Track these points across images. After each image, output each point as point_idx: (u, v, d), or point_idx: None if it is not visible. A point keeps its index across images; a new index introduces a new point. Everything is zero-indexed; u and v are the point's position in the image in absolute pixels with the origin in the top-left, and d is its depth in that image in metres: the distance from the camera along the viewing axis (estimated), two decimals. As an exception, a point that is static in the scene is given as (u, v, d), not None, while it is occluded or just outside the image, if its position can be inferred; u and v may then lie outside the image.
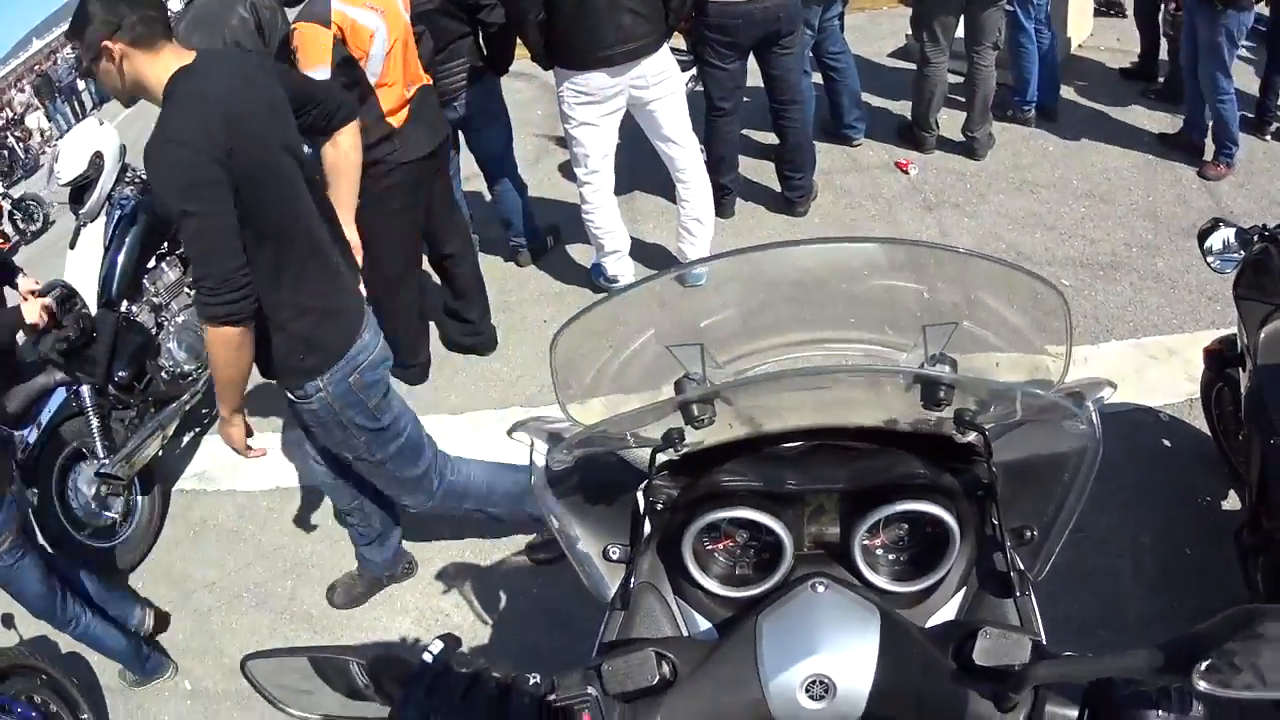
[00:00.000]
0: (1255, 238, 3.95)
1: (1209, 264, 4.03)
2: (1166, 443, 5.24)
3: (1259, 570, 3.75)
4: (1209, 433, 4.97)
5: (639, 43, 5.90)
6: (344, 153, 4.46)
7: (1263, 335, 3.97)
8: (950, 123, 8.41)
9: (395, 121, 5.73)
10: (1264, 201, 6.59)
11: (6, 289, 5.90)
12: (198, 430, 7.14)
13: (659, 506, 2.24)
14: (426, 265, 6.83)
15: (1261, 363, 3.90)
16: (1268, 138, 7.96)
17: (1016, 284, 2.30)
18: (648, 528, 2.26)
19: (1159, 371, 5.73)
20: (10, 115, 36.30)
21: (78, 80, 33.58)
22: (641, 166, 7.76)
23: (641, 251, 7.05)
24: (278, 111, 3.88)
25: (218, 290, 3.48)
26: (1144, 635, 3.20)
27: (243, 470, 6.44)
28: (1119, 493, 4.85)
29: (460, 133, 7.10)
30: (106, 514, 5.97)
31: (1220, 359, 4.65)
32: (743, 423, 2.22)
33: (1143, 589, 4.47)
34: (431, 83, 6.11)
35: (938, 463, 2.19)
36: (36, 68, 46.22)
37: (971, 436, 2.14)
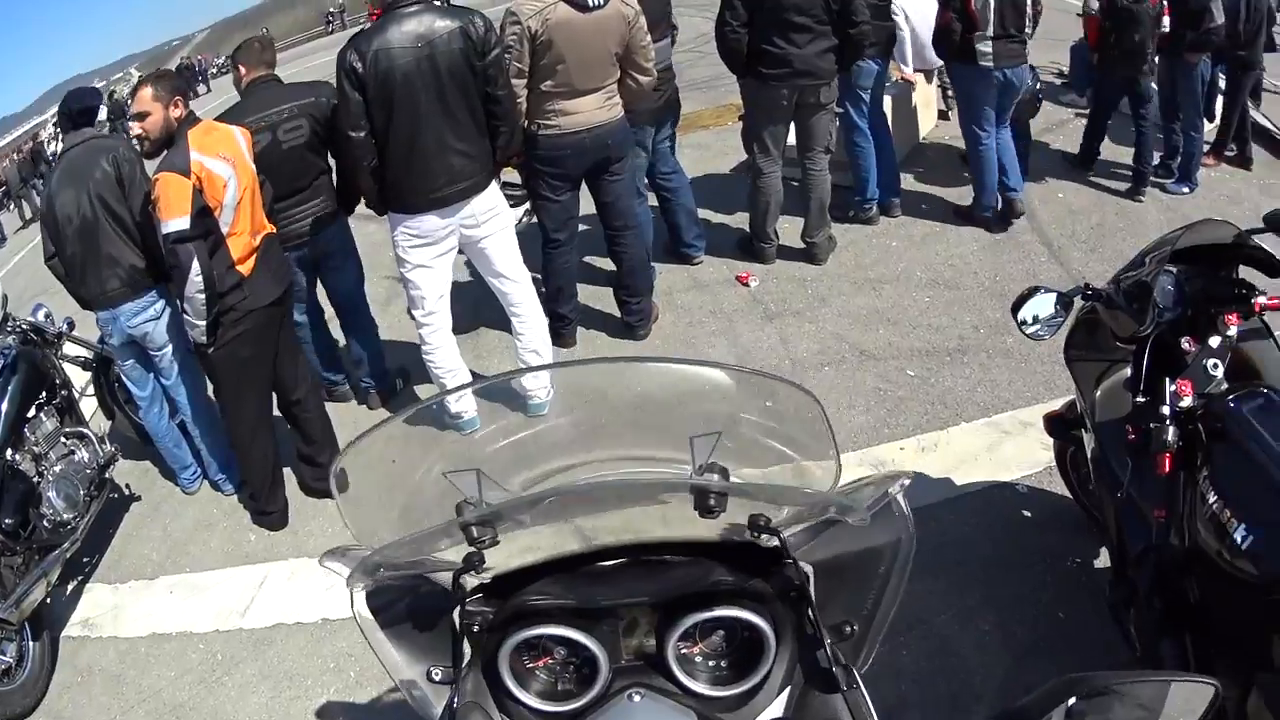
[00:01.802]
0: (1078, 298, 3.99)
1: (1026, 334, 4.04)
2: (1026, 513, 5.31)
3: (1132, 624, 3.76)
4: (1071, 497, 5.03)
5: (468, 182, 6.00)
6: None
7: (1099, 393, 4.05)
8: (791, 230, 8.54)
9: (244, 270, 5.81)
10: (1118, 263, 6.82)
11: None
12: (80, 578, 7.07)
13: (475, 628, 2.24)
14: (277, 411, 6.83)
15: (1100, 420, 3.97)
16: (1140, 199, 8.61)
17: (778, 393, 2.45)
18: (468, 649, 2.27)
19: (1013, 445, 5.82)
20: None
21: None
22: (484, 303, 7.75)
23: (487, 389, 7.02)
24: None
25: None
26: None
27: (123, 617, 6.51)
28: (980, 570, 4.91)
29: (317, 274, 7.27)
30: (1, 658, 5.82)
31: (1062, 423, 4.75)
32: (551, 540, 2.28)
33: (1016, 658, 4.47)
34: (275, 231, 6.23)
35: (749, 569, 2.22)
36: None
37: (773, 541, 2.17)
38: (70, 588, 6.96)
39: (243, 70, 6.79)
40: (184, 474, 7.49)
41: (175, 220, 5.42)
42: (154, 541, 7.24)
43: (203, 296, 5.58)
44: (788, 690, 2.19)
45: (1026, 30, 7.88)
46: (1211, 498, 3.05)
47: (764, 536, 2.17)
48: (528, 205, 7.70)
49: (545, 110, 6.66)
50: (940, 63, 9.67)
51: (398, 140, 5.84)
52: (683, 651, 2.15)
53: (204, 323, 5.73)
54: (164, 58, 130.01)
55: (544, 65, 6.47)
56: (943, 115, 11.20)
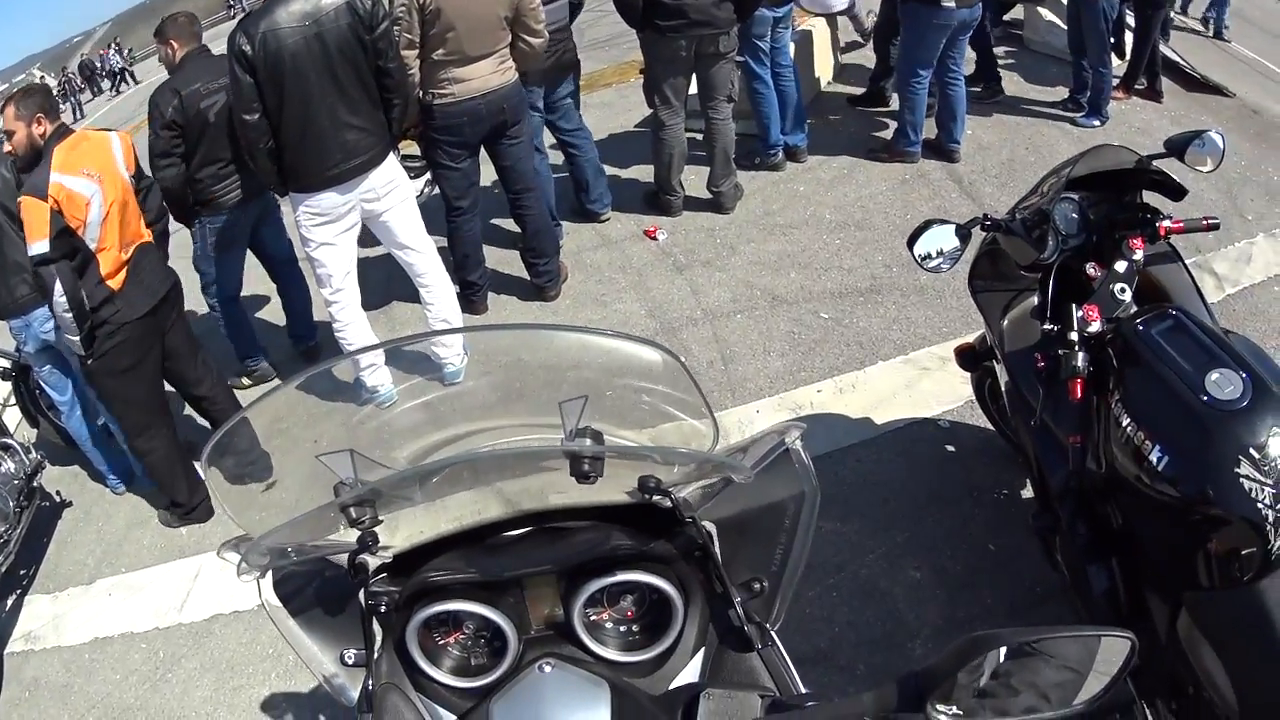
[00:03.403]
0: (977, 228, 3.97)
1: (925, 267, 4.01)
2: (950, 448, 5.33)
3: (1059, 552, 3.78)
4: (994, 429, 5.06)
5: (364, 157, 5.99)
6: None
7: (1005, 323, 4.06)
8: (697, 181, 8.56)
9: (114, 284, 5.79)
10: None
11: None
12: (18, 592, 7.01)
13: (381, 608, 2.23)
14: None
15: (1009, 349, 3.98)
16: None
17: (642, 354, 2.40)
18: (379, 630, 2.26)
19: (931, 381, 5.85)
20: None
21: None
22: (395, 277, 7.72)
23: (400, 359, 6.98)
24: None
25: None
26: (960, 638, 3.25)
27: (64, 625, 6.49)
28: (906, 507, 4.94)
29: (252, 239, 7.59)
30: None
31: (974, 355, 4.77)
32: (443, 518, 2.28)
33: (949, 592, 4.49)
34: (152, 239, 6.20)
35: (652, 532, 2.22)
36: None
37: (667, 502, 2.17)
38: (10, 602, 6.91)
39: (175, 45, 6.83)
40: (111, 475, 7.42)
41: (36, 244, 5.41)
42: (88, 545, 7.21)
43: (70, 315, 5.56)
44: (702, 651, 2.20)
45: None
46: (1125, 421, 3.05)
47: (656, 497, 2.17)
48: (428, 176, 7.74)
49: (439, 79, 6.63)
50: (840, 6, 9.69)
51: (291, 120, 5.81)
52: (591, 618, 2.17)
53: (78, 338, 5.72)
54: (66, 55, 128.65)
55: (434, 34, 6.43)
56: (857, 45, 11.29)
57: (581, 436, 2.17)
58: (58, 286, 5.46)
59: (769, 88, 8.52)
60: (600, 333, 2.42)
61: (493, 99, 6.71)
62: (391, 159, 6.23)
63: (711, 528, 2.24)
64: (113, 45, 59.34)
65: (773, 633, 2.18)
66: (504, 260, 8.29)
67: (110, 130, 6.13)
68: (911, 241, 4.03)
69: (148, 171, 6.46)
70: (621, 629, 2.20)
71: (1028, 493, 4.85)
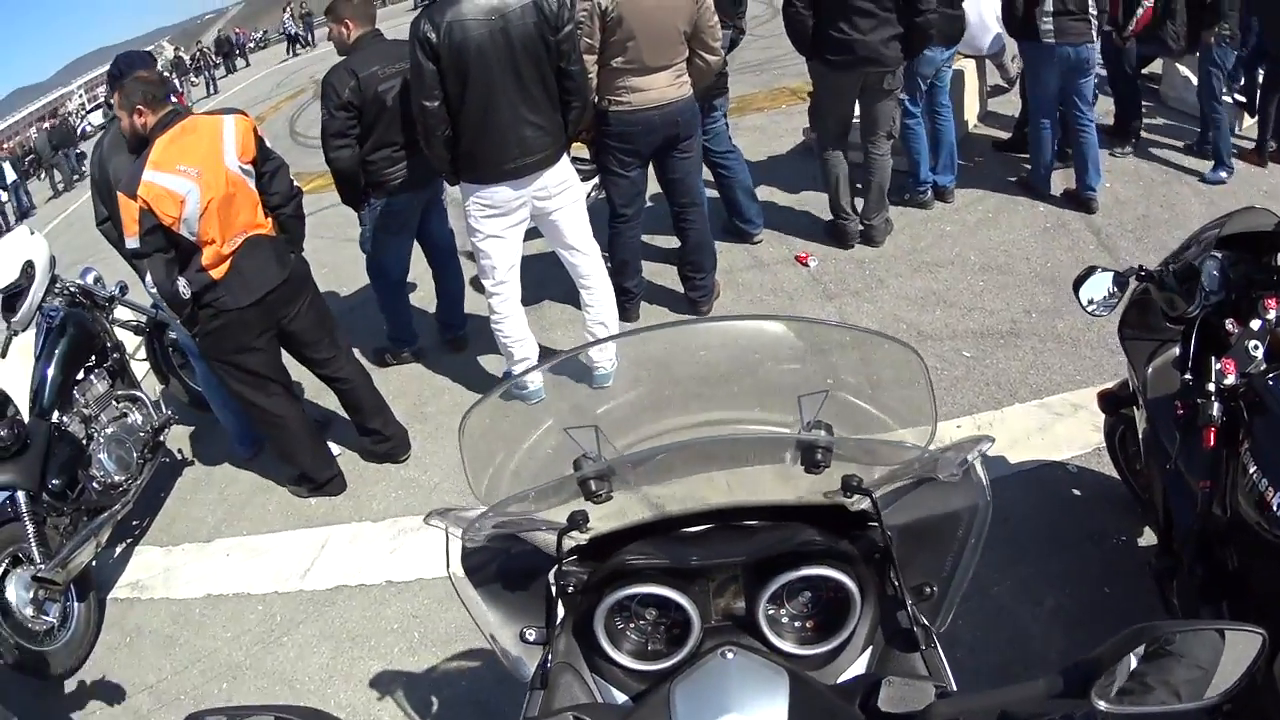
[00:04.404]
0: (1133, 279, 4.08)
1: (1088, 311, 4.11)
2: (1076, 491, 5.38)
3: (1175, 594, 3.87)
4: (1118, 477, 5.13)
5: (540, 155, 6.08)
6: None
7: (1150, 370, 4.14)
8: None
9: (215, 274, 5.85)
10: (1162, 253, 6.85)
11: None
12: (129, 541, 7.12)
13: (570, 589, 2.33)
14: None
15: (1151, 397, 4.06)
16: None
17: (879, 350, 2.53)
18: (561, 610, 2.36)
19: (1064, 426, 5.87)
20: None
21: None
22: (549, 276, 7.90)
23: (550, 360, 7.09)
24: None
25: None
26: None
27: (175, 579, 6.57)
28: (1032, 544, 4.99)
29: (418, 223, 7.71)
30: (44, 618, 5.86)
31: (1115, 400, 4.85)
32: (644, 505, 2.37)
33: (1062, 629, 4.56)
34: (271, 228, 6.21)
35: (835, 531, 2.30)
36: None
37: (863, 503, 2.27)
38: (119, 550, 7.06)
39: (350, 26, 6.92)
40: (240, 439, 7.55)
41: (129, 238, 5.54)
42: (209, 505, 7.32)
43: (165, 303, 5.73)
44: (869, 650, 2.27)
45: (1091, 10, 7.74)
46: (1252, 469, 3.16)
47: (855, 498, 2.25)
48: (596, 180, 7.71)
49: (616, 87, 6.75)
50: (988, 49, 9.72)
51: (472, 111, 5.91)
52: (770, 612, 2.23)
53: (178, 319, 5.92)
54: (196, 31, 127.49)
55: (614, 42, 6.55)
56: (1002, 90, 11.27)
57: (816, 429, 2.23)
58: (148, 279, 5.59)
59: (921, 125, 8.56)
60: (839, 325, 2.48)
61: (668, 111, 6.81)
62: (565, 160, 6.31)
63: (890, 532, 2.29)
64: (291, 14, 58.53)
65: (936, 637, 2.26)
66: (657, 272, 8.37)
67: (230, 113, 6.08)
68: (1077, 285, 4.13)
69: (274, 153, 6.34)
70: (797, 624, 2.26)
71: (1144, 541, 4.90)
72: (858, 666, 2.25)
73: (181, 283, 5.66)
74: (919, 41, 7.57)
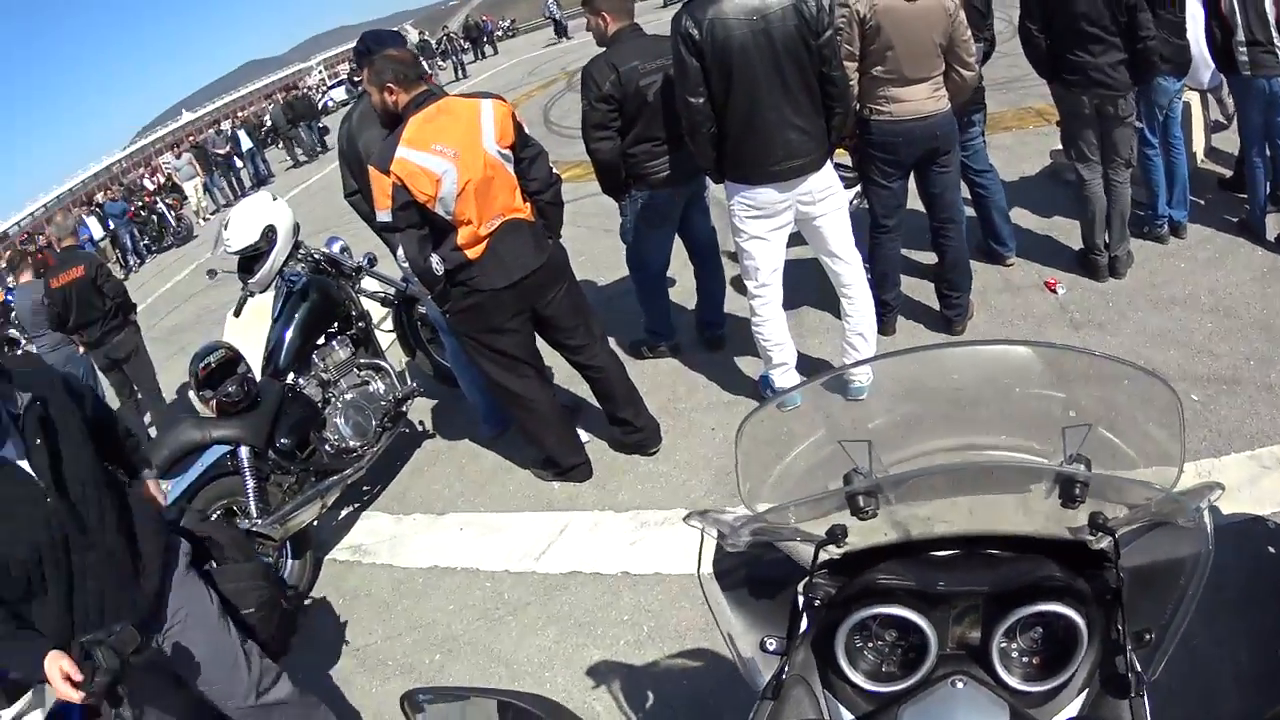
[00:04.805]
0: None
1: None
2: (1271, 549, 5.18)
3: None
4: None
5: (805, 159, 6.04)
6: None
7: None
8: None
9: (471, 254, 5.93)
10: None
11: None
12: (356, 505, 7.32)
13: (816, 602, 2.36)
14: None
15: None
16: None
17: (1136, 384, 2.48)
18: (804, 623, 2.39)
19: (1270, 480, 5.66)
20: (160, 181, 37.48)
21: (234, 158, 34.59)
22: (807, 283, 7.88)
23: (806, 366, 7.07)
24: None
25: None
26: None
27: (401, 547, 6.75)
28: (1231, 599, 4.78)
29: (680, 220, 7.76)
30: None
31: None
32: (898, 526, 2.37)
33: (1255, 690, 4.41)
34: (529, 213, 6.23)
35: (1071, 568, 2.30)
36: (189, 139, 47.49)
37: (1104, 542, 2.25)
38: (345, 513, 7.27)
39: (607, 19, 6.93)
40: (486, 418, 7.63)
41: (381, 212, 5.63)
42: (446, 479, 7.47)
43: (417, 278, 5.78)
44: (1085, 692, 2.29)
45: (1276, 41, 7.38)
46: None
47: (1098, 535, 2.24)
48: (858, 189, 7.70)
49: (877, 96, 6.68)
50: (1207, 83, 9.38)
51: (737, 111, 5.91)
52: (1003, 645, 2.26)
53: (429, 295, 5.98)
54: (440, 16, 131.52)
55: (873, 50, 6.50)
56: (1221, 126, 10.83)
57: (1076, 463, 2.23)
58: (400, 253, 5.67)
59: (1159, 155, 8.27)
60: (1100, 356, 2.47)
61: (927, 124, 6.70)
62: (829, 165, 6.25)
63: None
64: (500, 16, 59.46)
65: (1147, 684, 2.21)
66: (913, 287, 8.27)
67: (488, 98, 6.10)
68: None
69: (532, 140, 6.33)
70: (1025, 659, 2.28)
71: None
72: (1071, 709, 2.28)
73: (435, 259, 5.77)
74: (1144, 68, 7.35)
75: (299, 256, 7.61)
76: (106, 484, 4.00)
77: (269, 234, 7.36)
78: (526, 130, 6.24)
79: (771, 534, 2.41)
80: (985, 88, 8.04)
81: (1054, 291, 8.06)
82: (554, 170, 6.46)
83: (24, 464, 3.71)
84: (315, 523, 6.79)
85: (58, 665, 3.45)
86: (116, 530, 3.95)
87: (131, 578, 4.00)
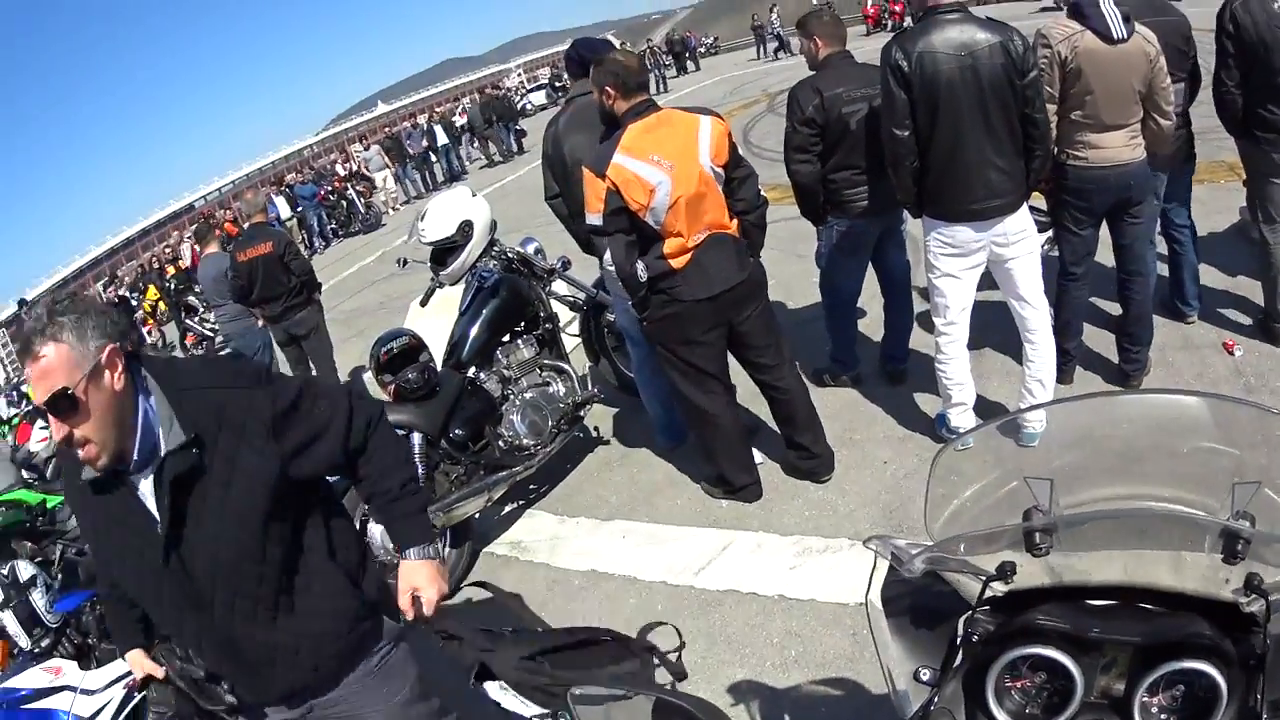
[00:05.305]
0: None
1: None
2: None
3: None
4: None
5: (1003, 199, 6.04)
6: None
7: None
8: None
9: (675, 264, 5.99)
10: None
11: None
12: (521, 502, 7.44)
13: (974, 637, 2.35)
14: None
15: None
16: None
17: None
18: (960, 657, 2.39)
19: None
20: (352, 169, 38.25)
21: (429, 152, 35.06)
22: (991, 325, 7.81)
23: (984, 408, 7.04)
24: None
25: None
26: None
27: (561, 548, 6.85)
28: None
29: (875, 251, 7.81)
30: None
31: None
32: (1064, 569, 2.37)
33: None
34: (735, 230, 6.28)
35: (1220, 629, 2.26)
36: (384, 129, 48.28)
37: (1256, 605, 2.19)
38: (509, 509, 7.37)
39: (819, 43, 7.02)
40: (664, 430, 7.68)
41: (591, 215, 5.75)
42: (615, 486, 7.55)
43: (621, 283, 5.85)
44: None
45: None
46: None
47: (1251, 598, 2.19)
48: (1050, 234, 7.65)
49: (1075, 140, 6.60)
50: None
51: (941, 145, 5.95)
52: (1144, 699, 2.22)
53: (629, 301, 6.02)
54: (642, 29, 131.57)
55: (1073, 94, 6.43)
56: None
57: (1242, 519, 2.20)
58: (607, 256, 5.77)
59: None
60: (1276, 414, 2.45)
61: (1122, 172, 6.59)
62: (1025, 208, 6.24)
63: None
64: (704, 33, 59.76)
65: None
66: (1091, 336, 8.11)
67: (706, 114, 6.17)
68: None
69: (744, 160, 6.34)
70: (1163, 716, 2.25)
71: None
72: None
73: (640, 266, 5.84)
74: None
75: (493, 254, 7.75)
76: (258, 577, 3.27)
77: (465, 229, 7.51)
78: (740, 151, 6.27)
79: (943, 565, 2.43)
80: (1195, 134, 7.94)
81: (1231, 353, 7.84)
82: (761, 193, 6.48)
83: (149, 500, 3.14)
84: (478, 515, 6.91)
85: (137, 662, 3.67)
86: (250, 621, 3.30)
87: (262, 665, 3.43)
